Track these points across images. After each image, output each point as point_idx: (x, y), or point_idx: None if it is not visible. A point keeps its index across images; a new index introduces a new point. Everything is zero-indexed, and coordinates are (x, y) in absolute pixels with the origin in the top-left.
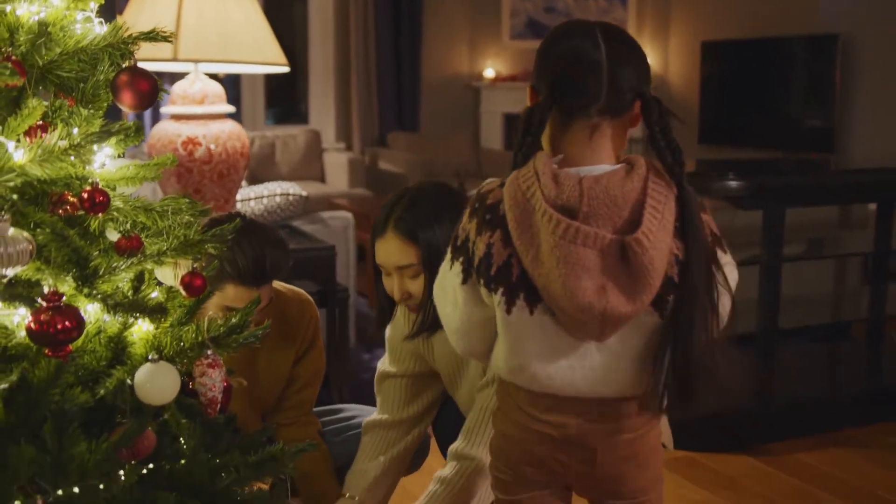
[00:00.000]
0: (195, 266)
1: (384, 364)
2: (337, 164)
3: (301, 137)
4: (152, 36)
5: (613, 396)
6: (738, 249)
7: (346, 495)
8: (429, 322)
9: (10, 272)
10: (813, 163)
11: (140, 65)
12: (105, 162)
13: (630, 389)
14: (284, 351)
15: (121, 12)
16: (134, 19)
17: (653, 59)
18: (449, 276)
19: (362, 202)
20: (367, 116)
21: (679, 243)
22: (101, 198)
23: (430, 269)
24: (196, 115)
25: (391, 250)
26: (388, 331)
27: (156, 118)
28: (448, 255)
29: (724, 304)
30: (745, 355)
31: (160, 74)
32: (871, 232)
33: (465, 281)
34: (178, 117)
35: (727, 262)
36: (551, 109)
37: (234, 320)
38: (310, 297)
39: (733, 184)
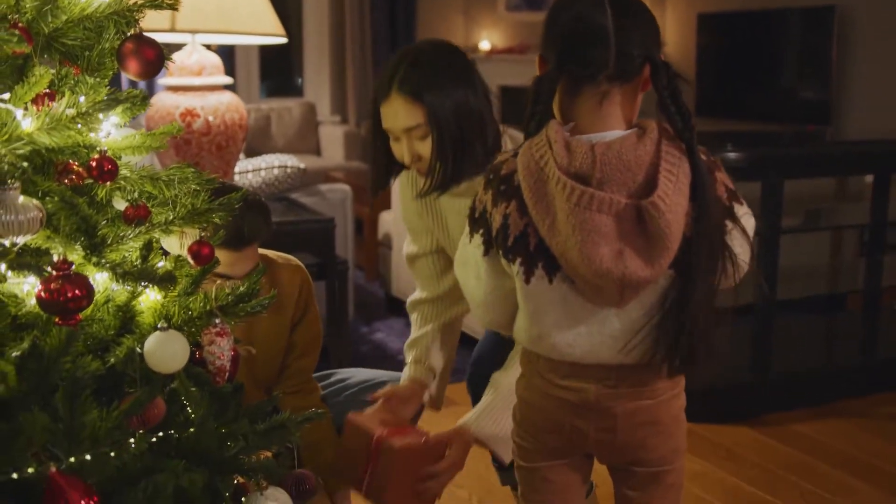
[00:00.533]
0: (202, 235)
1: (408, 245)
2: (332, 137)
3: (296, 110)
4: (157, 4)
5: (633, 363)
6: None
7: (408, 361)
8: (438, 181)
9: (20, 240)
10: (810, 135)
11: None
12: (111, 131)
13: (650, 356)
14: (279, 318)
15: None
16: None
17: None
18: (470, 248)
19: (358, 175)
20: (363, 89)
21: (694, 205)
22: (109, 166)
23: (437, 129)
24: (194, 87)
25: (398, 112)
26: (400, 211)
27: (153, 90)
28: (467, 229)
29: (744, 255)
30: (744, 327)
31: None
32: (868, 204)
33: (486, 252)
34: (175, 89)
35: (744, 212)
36: (559, 78)
37: (241, 288)
38: (300, 263)
39: (732, 155)
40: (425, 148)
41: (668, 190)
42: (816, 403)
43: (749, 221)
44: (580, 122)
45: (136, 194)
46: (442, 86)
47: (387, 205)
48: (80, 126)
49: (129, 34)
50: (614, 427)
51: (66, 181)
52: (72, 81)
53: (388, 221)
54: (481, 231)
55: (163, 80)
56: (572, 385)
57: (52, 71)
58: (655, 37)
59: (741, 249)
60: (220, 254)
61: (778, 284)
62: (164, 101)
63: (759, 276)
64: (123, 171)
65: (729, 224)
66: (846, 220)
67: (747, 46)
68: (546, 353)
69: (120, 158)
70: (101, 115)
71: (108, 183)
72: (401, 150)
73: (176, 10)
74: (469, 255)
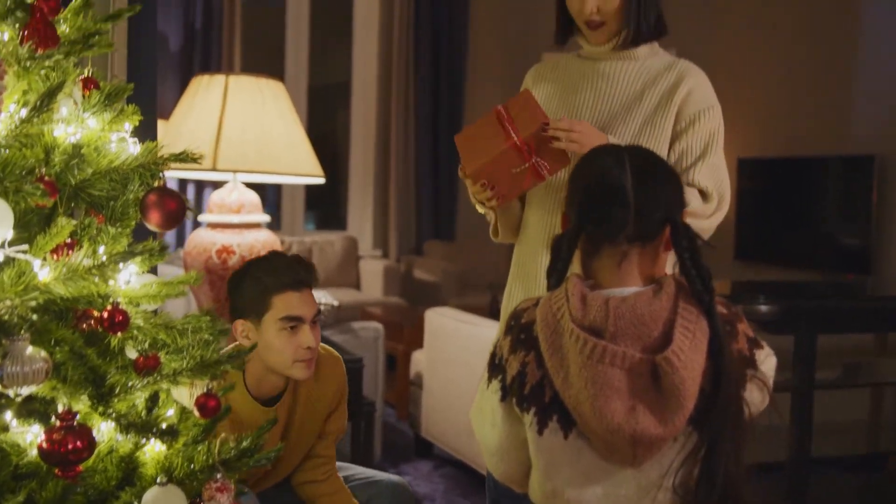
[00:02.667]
0: (210, 387)
1: None
2: (372, 272)
3: (338, 244)
4: (182, 157)
5: None
6: None
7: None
8: (627, 34)
9: (25, 391)
10: (848, 286)
11: (179, 174)
12: (130, 278)
13: None
14: (318, 407)
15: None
16: (178, 126)
17: None
18: (487, 395)
19: (396, 310)
20: (405, 224)
21: (712, 364)
22: (120, 317)
23: None
24: (232, 224)
25: None
26: None
27: (194, 225)
28: (485, 375)
29: (761, 403)
30: (775, 485)
31: (199, 182)
32: None
33: (503, 398)
34: (214, 225)
35: (766, 355)
36: (578, 237)
37: (245, 443)
38: (339, 355)
39: (763, 308)
40: (607, 2)
41: (683, 346)
42: None
43: (770, 362)
44: (600, 279)
45: (146, 344)
46: None
47: (419, 344)
48: (96, 278)
49: (153, 186)
50: None
51: (84, 326)
52: (94, 231)
53: (421, 361)
54: (499, 377)
55: (202, 216)
56: None
57: (75, 222)
58: (677, 198)
59: (758, 397)
60: (287, 297)
61: (813, 441)
62: (202, 238)
63: (791, 431)
64: (137, 320)
65: (749, 373)
66: (887, 374)
67: (787, 192)
68: None
69: (138, 305)
70: (119, 265)
71: (120, 333)
72: (579, 3)
73: (199, 163)
74: (486, 402)
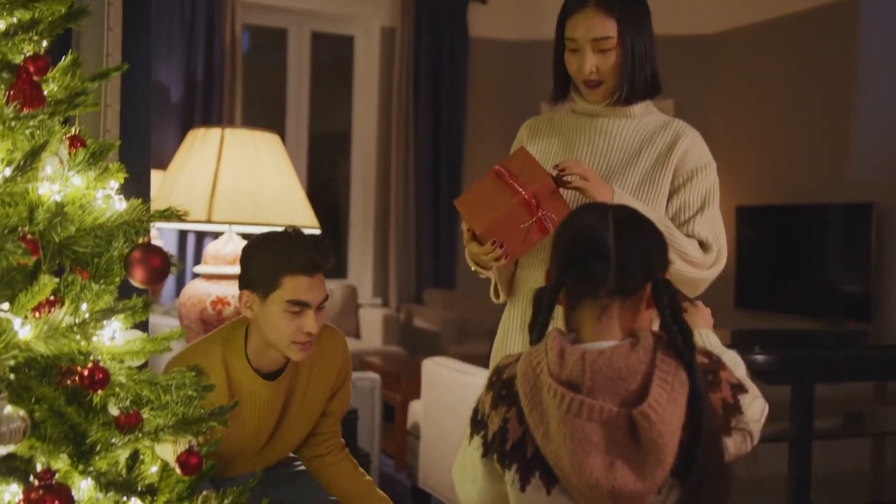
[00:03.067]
0: (192, 444)
1: None
2: (372, 321)
3: (338, 292)
4: (167, 214)
5: None
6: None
7: None
8: (620, 93)
9: (2, 450)
10: (848, 334)
11: (178, 225)
12: (114, 335)
13: None
14: (323, 384)
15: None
16: (174, 179)
17: None
18: (468, 450)
19: (394, 360)
20: (405, 273)
21: (691, 419)
22: (100, 375)
23: (624, 45)
24: (227, 276)
25: (591, 22)
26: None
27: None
28: (468, 431)
29: (744, 446)
30: None
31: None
32: None
33: (484, 454)
34: (209, 277)
35: (749, 402)
36: (559, 291)
37: (227, 500)
38: (339, 330)
39: (760, 358)
40: (606, 61)
41: (660, 399)
42: None
43: (756, 405)
44: (579, 333)
45: (128, 402)
46: (633, 9)
47: (416, 394)
48: (77, 336)
49: (137, 242)
50: None
51: (67, 382)
52: (77, 288)
53: (418, 411)
54: (481, 433)
55: (197, 267)
56: None
57: (58, 280)
58: (659, 255)
59: (738, 440)
60: (297, 280)
61: (812, 491)
62: (197, 289)
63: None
64: (119, 377)
65: (733, 421)
66: (888, 423)
67: (786, 240)
68: None
69: (121, 362)
70: (101, 323)
71: (101, 391)
72: (577, 63)
73: (185, 220)
74: (467, 458)
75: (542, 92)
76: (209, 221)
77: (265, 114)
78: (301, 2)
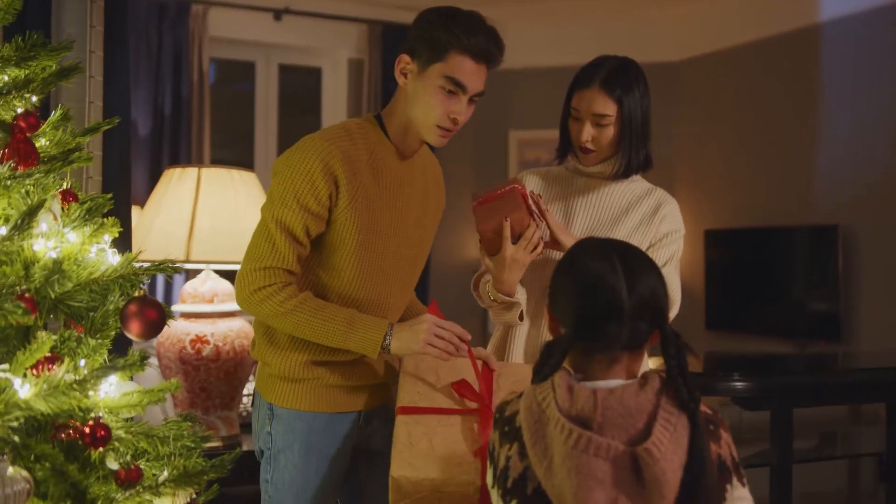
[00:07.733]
0: (193, 496)
1: None
2: None
3: None
4: (162, 268)
5: None
6: (747, 445)
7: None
8: (615, 167)
9: None
10: (821, 357)
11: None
12: (110, 388)
13: None
14: (437, 199)
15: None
16: (151, 220)
17: None
18: (489, 479)
19: None
20: None
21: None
22: (102, 432)
23: (622, 126)
24: (206, 314)
25: (594, 100)
26: None
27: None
28: (490, 463)
29: None
30: None
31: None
32: (884, 427)
33: (492, 486)
34: (188, 315)
35: (740, 496)
36: (572, 348)
37: None
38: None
39: (739, 385)
40: (603, 134)
41: (663, 438)
42: None
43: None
44: (588, 374)
45: (129, 457)
46: (634, 94)
47: None
48: (77, 392)
49: (133, 296)
50: None
51: (62, 436)
52: (73, 343)
53: None
54: (492, 467)
55: (175, 307)
56: None
57: (55, 336)
58: (665, 301)
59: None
60: (464, 60)
61: None
62: (176, 328)
63: None
64: (118, 432)
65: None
66: (862, 444)
67: (754, 262)
68: None
69: (118, 414)
70: (100, 380)
71: (101, 448)
72: (577, 130)
73: (180, 273)
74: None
75: (512, 120)
76: (188, 261)
77: (233, 144)
78: (268, 35)
